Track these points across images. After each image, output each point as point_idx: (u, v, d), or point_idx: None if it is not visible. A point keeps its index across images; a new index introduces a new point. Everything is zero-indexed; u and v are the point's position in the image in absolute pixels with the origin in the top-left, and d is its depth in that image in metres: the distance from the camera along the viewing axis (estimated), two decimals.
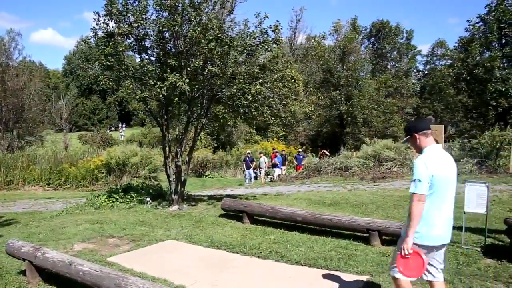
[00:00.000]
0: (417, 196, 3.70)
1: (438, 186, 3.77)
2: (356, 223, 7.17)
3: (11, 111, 30.61)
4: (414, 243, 3.71)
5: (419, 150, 3.97)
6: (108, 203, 12.12)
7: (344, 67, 37.13)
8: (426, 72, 51.72)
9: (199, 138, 12.66)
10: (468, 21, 28.37)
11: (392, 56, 51.14)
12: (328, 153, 25.11)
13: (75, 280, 4.93)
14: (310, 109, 12.20)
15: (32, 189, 20.46)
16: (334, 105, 36.07)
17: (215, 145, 35.78)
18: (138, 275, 5.40)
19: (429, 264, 3.89)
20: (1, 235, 8.69)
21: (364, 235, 7.06)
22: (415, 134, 3.92)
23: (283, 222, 8.24)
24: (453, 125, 34.56)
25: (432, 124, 6.35)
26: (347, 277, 5.43)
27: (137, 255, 6.73)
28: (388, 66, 50.12)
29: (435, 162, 3.79)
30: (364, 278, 5.34)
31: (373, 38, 51.38)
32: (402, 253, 3.75)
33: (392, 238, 6.77)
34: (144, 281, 4.38)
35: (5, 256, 6.51)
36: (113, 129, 71.02)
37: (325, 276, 5.52)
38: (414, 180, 3.75)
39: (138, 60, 11.52)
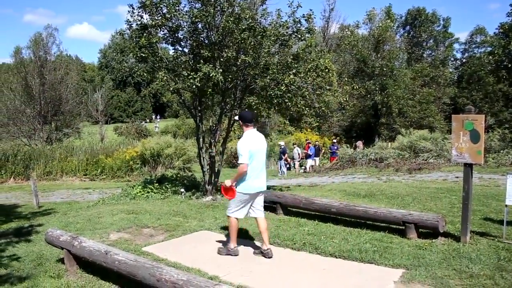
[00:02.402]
0: (243, 165, 5.68)
1: (254, 156, 5.75)
2: (392, 215, 7.01)
3: (49, 104, 31.40)
4: (239, 192, 5.84)
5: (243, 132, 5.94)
6: (143, 194, 12.27)
7: (379, 56, 36.51)
8: (464, 61, 50.38)
9: (232, 129, 12.67)
10: (510, 5, 27.16)
11: (428, 45, 50.01)
12: (361, 146, 24.81)
13: (111, 269, 5.00)
14: (345, 99, 12.03)
15: (69, 179, 20.99)
16: (369, 95, 35.53)
17: None
18: (172, 265, 5.44)
19: (252, 206, 6.08)
20: (41, 224, 8.94)
21: (400, 227, 6.89)
22: (241, 121, 5.98)
23: (317, 213, 8.15)
24: (492, 115, 33.51)
25: (471, 114, 6.14)
26: (382, 270, 5.33)
27: (171, 245, 6.79)
28: (424, 55, 49.05)
29: (251, 141, 5.77)
30: (399, 271, 5.22)
31: (408, 26, 50.35)
32: (225, 186, 5.92)
33: (429, 231, 6.61)
34: (179, 271, 4.39)
35: (44, 244, 6.68)
36: (148, 120, 71.95)
37: (360, 268, 5.43)
38: (241, 154, 5.70)
39: (171, 51, 11.59)
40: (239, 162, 5.70)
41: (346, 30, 40.42)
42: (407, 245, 6.26)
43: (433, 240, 6.38)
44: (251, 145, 5.74)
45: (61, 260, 6.00)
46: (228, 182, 5.85)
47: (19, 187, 18.05)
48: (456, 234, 6.53)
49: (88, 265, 5.63)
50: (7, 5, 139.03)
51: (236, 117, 6.32)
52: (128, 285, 4.96)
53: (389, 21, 38.26)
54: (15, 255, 6.63)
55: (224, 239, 6.99)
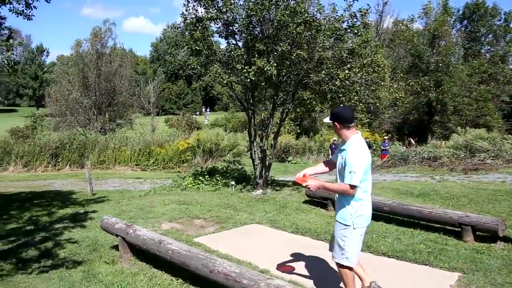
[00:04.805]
0: (352, 188, 3.90)
1: (368, 173, 4.02)
2: (447, 216, 6.79)
3: (104, 95, 32.33)
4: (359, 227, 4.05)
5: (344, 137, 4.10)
6: (194, 185, 12.45)
7: (434, 51, 35.41)
8: None
9: (283, 124, 12.62)
10: None
11: (487, 40, 47.97)
12: (414, 142, 24.23)
13: (163, 258, 5.10)
14: (401, 95, 11.73)
15: (121, 169, 21.48)
16: (422, 92, 34.54)
17: (298, 130, 35.62)
18: (224, 256, 5.48)
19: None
20: (95, 211, 9.25)
21: (456, 229, 6.67)
22: (336, 123, 4.08)
23: None
24: None
25: None
26: (437, 272, 5.18)
27: (222, 237, 6.86)
28: (482, 51, 47.04)
29: (366, 152, 4.00)
30: (455, 275, 5.05)
31: (466, 21, 48.46)
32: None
33: (487, 235, 6.36)
34: (231, 264, 4.43)
35: (99, 230, 6.93)
36: (198, 113, 72.85)
37: (413, 269, 5.30)
38: (354, 171, 3.86)
39: (224, 45, 11.66)
40: (348, 182, 3.86)
41: (401, 24, 39.43)
42: (463, 248, 6.06)
43: (492, 245, 6.14)
44: (367, 158, 3.98)
45: (115, 247, 6.19)
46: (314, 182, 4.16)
47: (74, 175, 18.67)
48: None
49: (141, 253, 5.77)
50: (67, 0, 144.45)
51: (327, 119, 4.23)
52: (180, 274, 5.05)
53: (445, 15, 36.97)
54: (72, 239, 6.91)
55: (275, 233, 6.99)
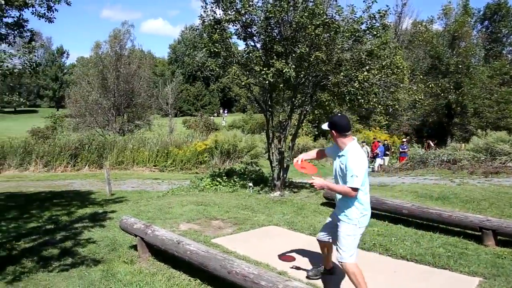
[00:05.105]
0: (354, 190, 4.21)
1: (366, 176, 4.34)
2: (468, 220, 6.70)
3: (123, 96, 32.65)
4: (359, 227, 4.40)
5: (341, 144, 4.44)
6: (211, 186, 12.48)
7: (454, 53, 34.98)
8: None
9: (301, 125, 12.59)
10: None
11: (509, 41, 47.22)
12: (433, 144, 23.97)
13: (182, 258, 5.13)
14: (420, 97, 11.62)
15: (140, 169, 21.63)
16: (442, 94, 34.14)
17: (316, 132, 35.46)
18: (242, 258, 5.49)
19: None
20: (114, 211, 9.35)
21: (476, 233, 6.58)
22: (333, 131, 4.42)
23: (387, 214, 7.94)
24: None
25: None
26: (457, 277, 5.12)
27: (240, 238, 6.87)
28: (504, 52, 46.32)
29: (365, 158, 4.36)
30: (476, 279, 4.99)
31: (487, 22, 47.83)
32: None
33: (509, 239, 6.26)
34: (249, 265, 4.43)
35: (118, 230, 7.00)
36: (215, 114, 73.09)
37: (433, 273, 5.25)
38: (356, 175, 4.17)
39: (242, 47, 11.69)
40: (350, 185, 4.16)
41: (420, 25, 39.03)
42: (484, 252, 5.98)
43: None
44: (365, 162, 4.32)
45: (134, 247, 6.24)
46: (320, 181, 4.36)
47: (93, 175, 18.86)
48: None
49: (159, 253, 5.81)
50: (87, 2, 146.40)
51: (325, 126, 4.50)
52: (198, 275, 5.08)
53: (466, 16, 36.45)
54: (91, 239, 6.99)
55: (292, 234, 6.97)
